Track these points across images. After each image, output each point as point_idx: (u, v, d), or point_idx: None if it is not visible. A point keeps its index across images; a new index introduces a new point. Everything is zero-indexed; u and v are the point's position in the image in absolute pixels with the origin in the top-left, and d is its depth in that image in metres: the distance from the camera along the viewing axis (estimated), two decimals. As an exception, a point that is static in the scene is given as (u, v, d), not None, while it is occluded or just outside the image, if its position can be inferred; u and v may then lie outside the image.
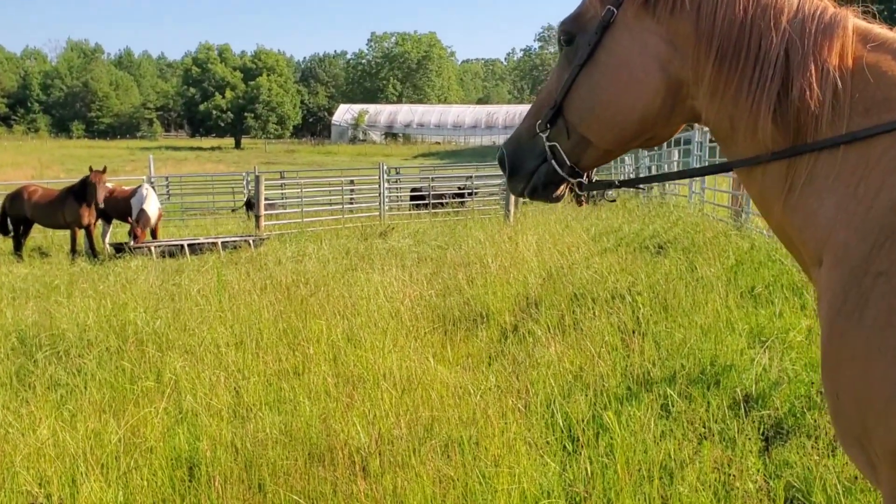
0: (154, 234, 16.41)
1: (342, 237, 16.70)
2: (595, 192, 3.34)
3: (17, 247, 15.38)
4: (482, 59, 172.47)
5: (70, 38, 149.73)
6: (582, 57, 2.12)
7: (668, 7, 2.00)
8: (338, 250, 14.23)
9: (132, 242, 15.24)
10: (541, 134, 2.23)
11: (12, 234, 15.53)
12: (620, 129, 2.11)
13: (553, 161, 2.22)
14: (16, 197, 15.48)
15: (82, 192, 15.03)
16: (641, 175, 19.50)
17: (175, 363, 6.48)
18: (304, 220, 19.73)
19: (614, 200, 15.41)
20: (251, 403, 5.46)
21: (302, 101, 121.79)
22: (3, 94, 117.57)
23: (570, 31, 2.17)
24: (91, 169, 15.06)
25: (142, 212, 15.69)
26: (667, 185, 18.72)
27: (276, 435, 4.77)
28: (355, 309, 8.66)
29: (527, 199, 3.03)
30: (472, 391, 5.49)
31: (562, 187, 2.29)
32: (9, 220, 15.52)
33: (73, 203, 14.97)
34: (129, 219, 15.97)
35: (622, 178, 21.63)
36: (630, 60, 2.04)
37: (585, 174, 2.26)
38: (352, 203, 23.26)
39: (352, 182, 24.37)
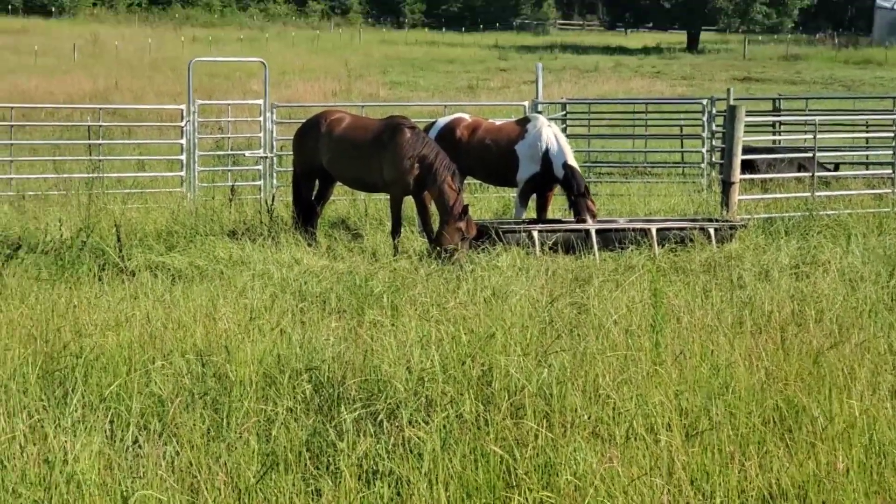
0: (543, 207, 17.37)
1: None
2: None
3: None
4: None
5: None
6: None
7: None
8: (887, 255, 14.11)
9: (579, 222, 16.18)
10: None
11: None
12: None
13: None
14: None
15: None
16: None
17: (585, 458, 6.86)
18: (817, 192, 19.54)
19: None
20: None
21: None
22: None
23: None
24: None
25: (567, 168, 16.49)
26: None
27: None
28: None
29: None
30: None
31: None
32: None
33: None
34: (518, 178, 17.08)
35: None
36: None
37: None
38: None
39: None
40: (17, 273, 12.91)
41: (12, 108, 24.94)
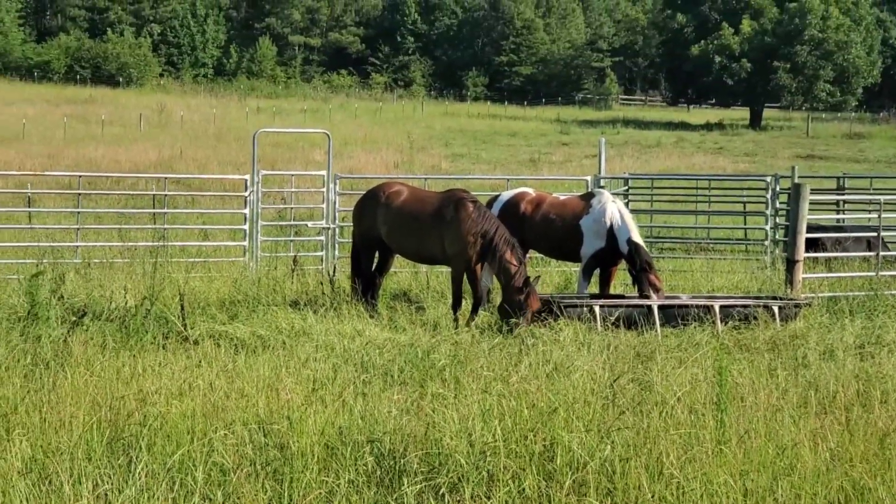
0: (606, 282, 17.39)
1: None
2: None
3: None
4: None
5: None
6: None
7: None
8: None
9: (653, 293, 16.10)
10: None
11: None
12: None
13: None
14: None
15: None
16: None
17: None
18: (881, 271, 19.40)
19: None
20: None
21: (886, 43, 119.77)
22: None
23: None
24: None
25: (632, 244, 16.50)
26: None
27: None
28: None
29: None
30: None
31: None
32: None
33: None
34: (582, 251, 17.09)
35: None
36: None
37: None
38: None
39: None
40: (83, 340, 13.03)
41: (79, 176, 25.23)
